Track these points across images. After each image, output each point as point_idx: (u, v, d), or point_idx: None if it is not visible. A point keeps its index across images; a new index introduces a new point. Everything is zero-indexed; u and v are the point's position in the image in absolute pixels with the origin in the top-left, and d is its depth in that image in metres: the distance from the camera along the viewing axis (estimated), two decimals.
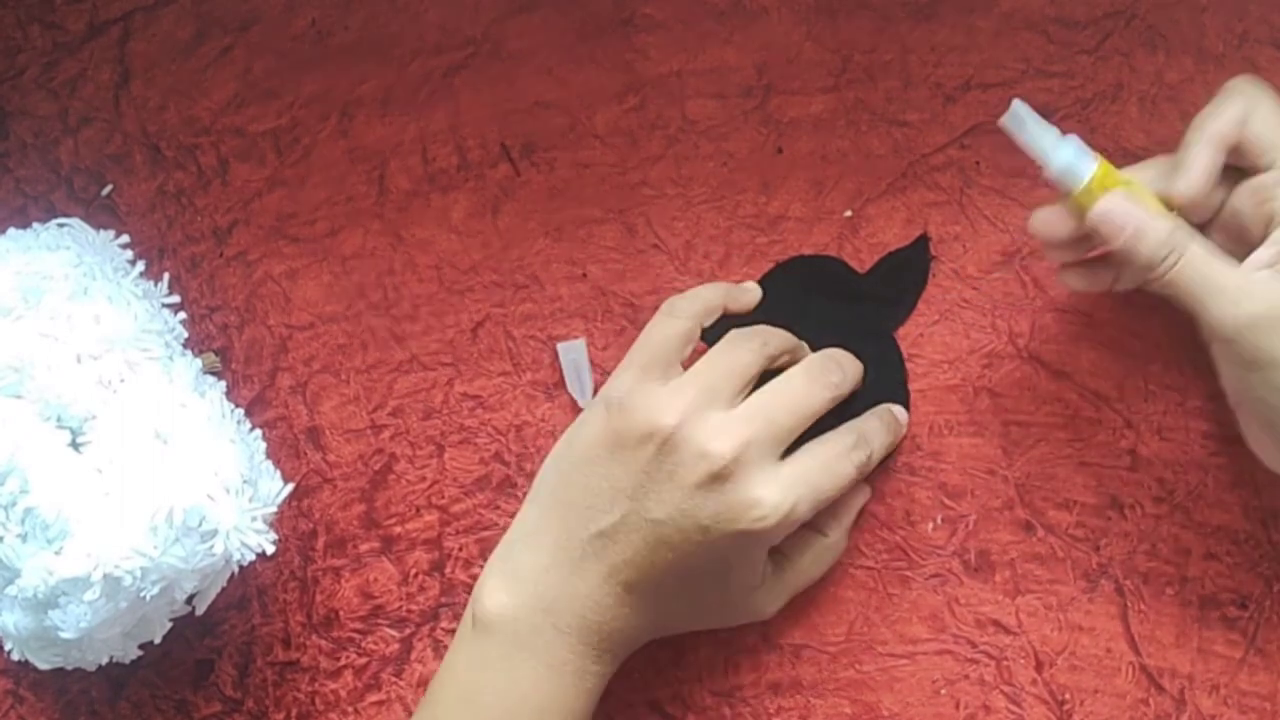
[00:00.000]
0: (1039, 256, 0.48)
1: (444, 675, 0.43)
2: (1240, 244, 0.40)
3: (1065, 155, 0.40)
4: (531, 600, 0.42)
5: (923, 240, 0.48)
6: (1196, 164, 0.40)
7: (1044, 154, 0.40)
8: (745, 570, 0.43)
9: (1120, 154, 0.48)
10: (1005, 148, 0.49)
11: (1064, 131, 0.41)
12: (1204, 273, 0.39)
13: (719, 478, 0.41)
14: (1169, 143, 0.48)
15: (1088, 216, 0.40)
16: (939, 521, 0.47)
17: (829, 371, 0.44)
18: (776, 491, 0.41)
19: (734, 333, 0.44)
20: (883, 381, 0.47)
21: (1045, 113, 0.49)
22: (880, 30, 0.49)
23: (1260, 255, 0.39)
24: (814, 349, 0.47)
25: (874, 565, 0.47)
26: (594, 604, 0.42)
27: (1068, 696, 0.46)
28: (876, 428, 0.45)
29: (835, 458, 0.43)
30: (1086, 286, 0.44)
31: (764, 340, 0.44)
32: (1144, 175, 0.42)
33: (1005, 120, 0.41)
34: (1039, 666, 0.46)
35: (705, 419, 0.41)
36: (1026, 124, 0.40)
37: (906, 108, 0.49)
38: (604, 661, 0.43)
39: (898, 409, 0.46)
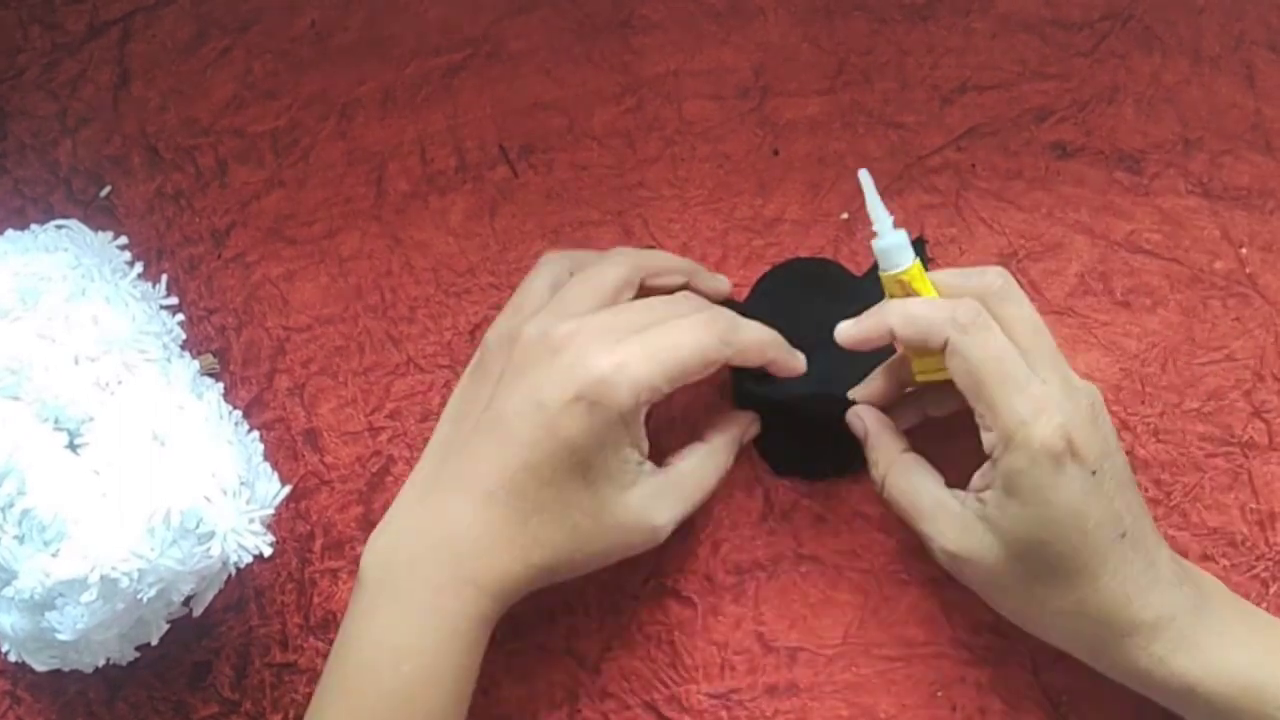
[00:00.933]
0: (1035, 258, 0.48)
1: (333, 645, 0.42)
2: None
3: (893, 240, 0.42)
4: (391, 542, 0.41)
5: (919, 242, 0.48)
6: (863, 326, 0.42)
7: (879, 224, 0.42)
8: (603, 460, 0.40)
9: (1117, 156, 0.49)
10: (1001, 150, 0.49)
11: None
12: (905, 500, 0.43)
13: (554, 350, 0.40)
14: (1166, 144, 0.49)
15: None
16: None
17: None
18: (611, 354, 0.40)
19: (607, 252, 0.44)
20: None
21: (1042, 115, 0.49)
22: (877, 32, 0.49)
23: (977, 479, 0.41)
24: (810, 351, 0.47)
25: (870, 568, 0.47)
26: (449, 523, 0.40)
27: (1064, 699, 0.46)
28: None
29: (680, 321, 0.41)
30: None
31: (640, 261, 0.43)
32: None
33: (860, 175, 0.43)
34: (1035, 669, 0.46)
35: (560, 316, 0.41)
36: (871, 194, 0.42)
37: (903, 110, 0.49)
38: (464, 598, 0.40)
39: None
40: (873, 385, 0.45)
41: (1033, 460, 0.39)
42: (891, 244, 0.42)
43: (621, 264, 0.44)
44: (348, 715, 0.40)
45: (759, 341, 0.43)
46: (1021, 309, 0.41)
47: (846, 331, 0.42)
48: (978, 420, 0.40)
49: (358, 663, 0.40)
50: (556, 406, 0.40)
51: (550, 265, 0.45)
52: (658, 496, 0.42)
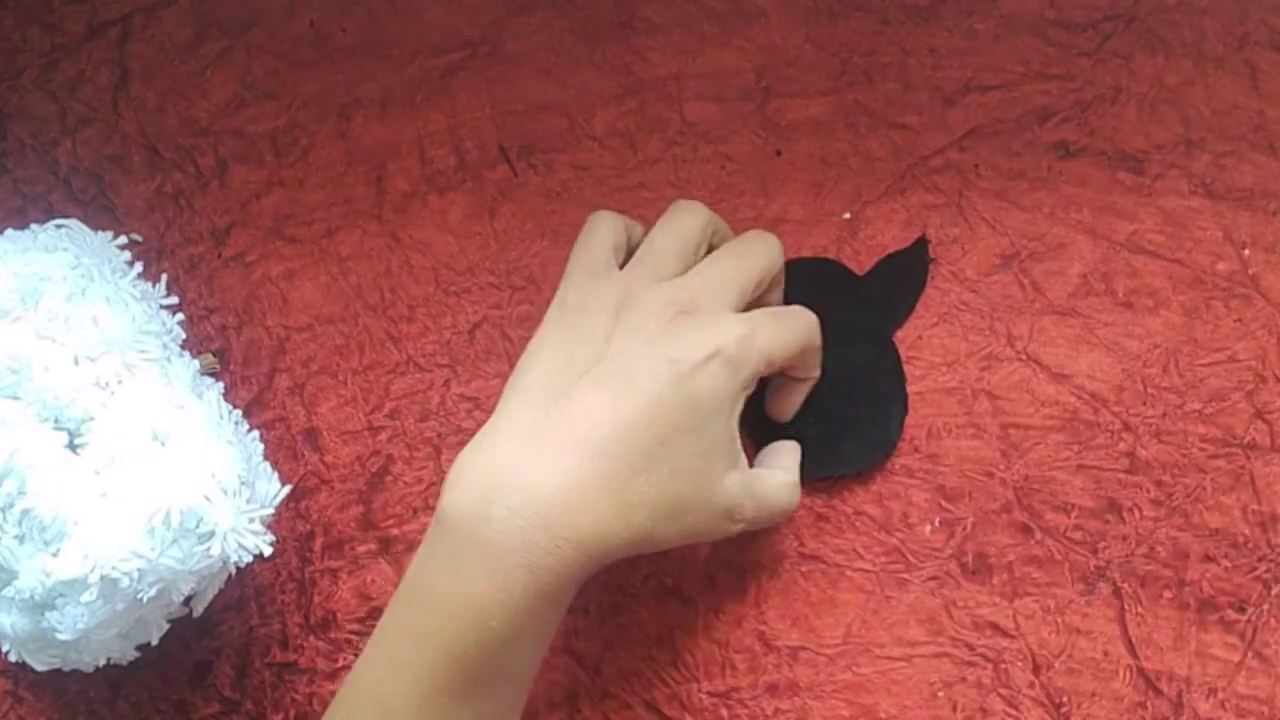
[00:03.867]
0: (1038, 259, 0.48)
1: (404, 579, 0.40)
2: None
3: None
4: (483, 488, 0.38)
5: (921, 242, 0.48)
6: None
7: None
8: (718, 429, 0.40)
9: (1120, 157, 0.48)
10: (1004, 150, 0.49)
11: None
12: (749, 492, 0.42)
13: (684, 311, 0.41)
14: (1168, 145, 0.49)
15: None
16: (936, 524, 0.47)
17: (754, 243, 0.44)
18: (739, 320, 0.41)
19: (679, 203, 0.44)
20: (881, 384, 0.47)
21: (1044, 115, 0.49)
22: (879, 33, 0.49)
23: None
24: (833, 355, 0.47)
25: (871, 568, 0.47)
26: (553, 474, 0.38)
27: (1065, 699, 0.46)
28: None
29: (785, 310, 0.44)
30: None
31: (708, 212, 0.44)
32: None
33: None
34: (1036, 669, 0.46)
35: (658, 280, 0.42)
36: None
37: (905, 110, 0.49)
38: (561, 555, 0.38)
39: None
40: None
41: None
42: None
43: (698, 214, 0.44)
44: (428, 668, 0.38)
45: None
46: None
47: None
48: None
49: (442, 613, 0.38)
50: (690, 364, 0.40)
51: (604, 224, 0.44)
52: (746, 491, 0.42)
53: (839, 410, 0.45)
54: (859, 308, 0.48)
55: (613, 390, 0.39)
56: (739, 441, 0.42)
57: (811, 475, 0.47)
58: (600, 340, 0.41)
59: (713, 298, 0.42)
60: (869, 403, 0.47)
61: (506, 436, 0.40)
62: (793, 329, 0.43)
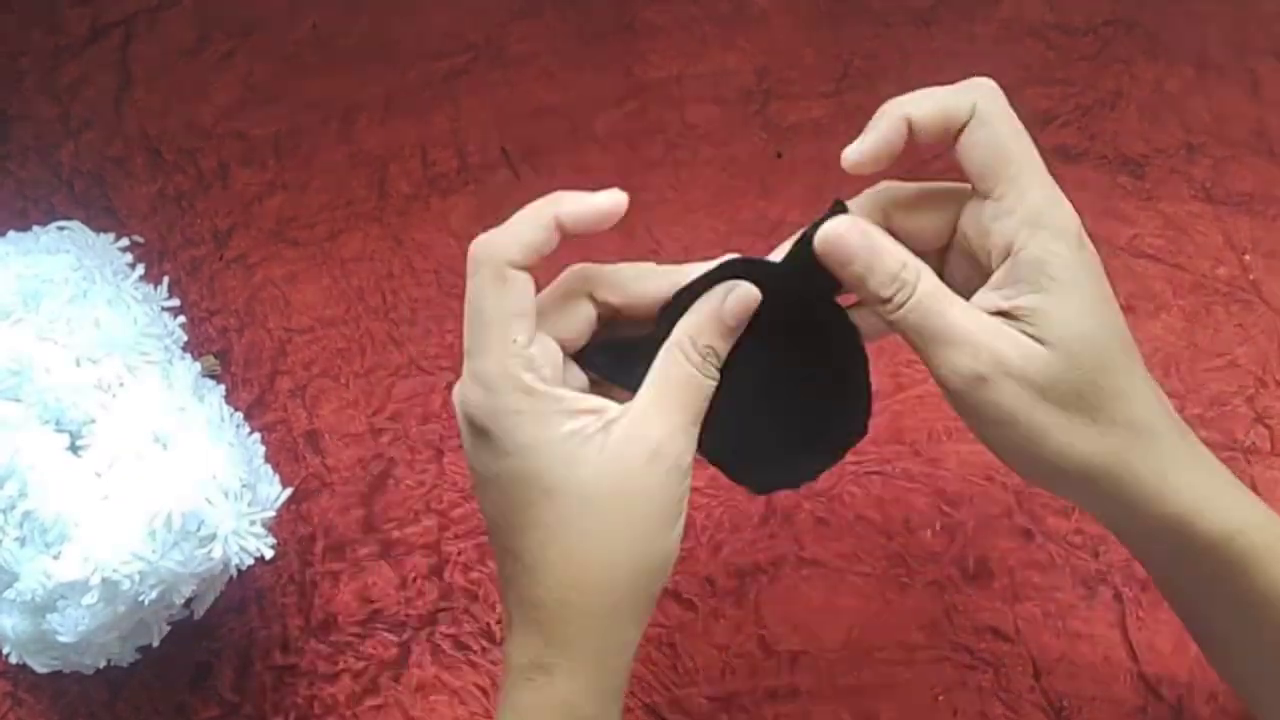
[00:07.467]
0: None
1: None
2: (978, 269, 0.37)
3: None
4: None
5: (839, 205, 0.38)
6: (873, 135, 0.36)
7: None
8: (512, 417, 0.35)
9: (1120, 161, 0.48)
10: None
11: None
12: (931, 318, 0.36)
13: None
14: (1169, 149, 0.49)
15: (816, 241, 0.36)
16: (937, 528, 0.47)
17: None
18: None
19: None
20: (832, 374, 0.39)
21: (1045, 119, 0.49)
22: (880, 36, 0.49)
23: (983, 298, 0.36)
24: (772, 355, 0.41)
25: (872, 572, 0.47)
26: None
27: (1066, 704, 0.46)
28: None
29: None
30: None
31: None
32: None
33: None
34: (1037, 674, 0.46)
35: None
36: None
37: None
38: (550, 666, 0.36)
39: None
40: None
41: (1065, 240, 0.35)
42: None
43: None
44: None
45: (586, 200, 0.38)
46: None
47: (854, 152, 0.36)
48: (990, 211, 0.35)
49: None
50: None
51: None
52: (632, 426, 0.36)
53: (788, 415, 0.38)
54: (785, 294, 0.38)
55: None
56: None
57: (768, 487, 0.40)
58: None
59: None
60: (821, 398, 0.39)
61: None
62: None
